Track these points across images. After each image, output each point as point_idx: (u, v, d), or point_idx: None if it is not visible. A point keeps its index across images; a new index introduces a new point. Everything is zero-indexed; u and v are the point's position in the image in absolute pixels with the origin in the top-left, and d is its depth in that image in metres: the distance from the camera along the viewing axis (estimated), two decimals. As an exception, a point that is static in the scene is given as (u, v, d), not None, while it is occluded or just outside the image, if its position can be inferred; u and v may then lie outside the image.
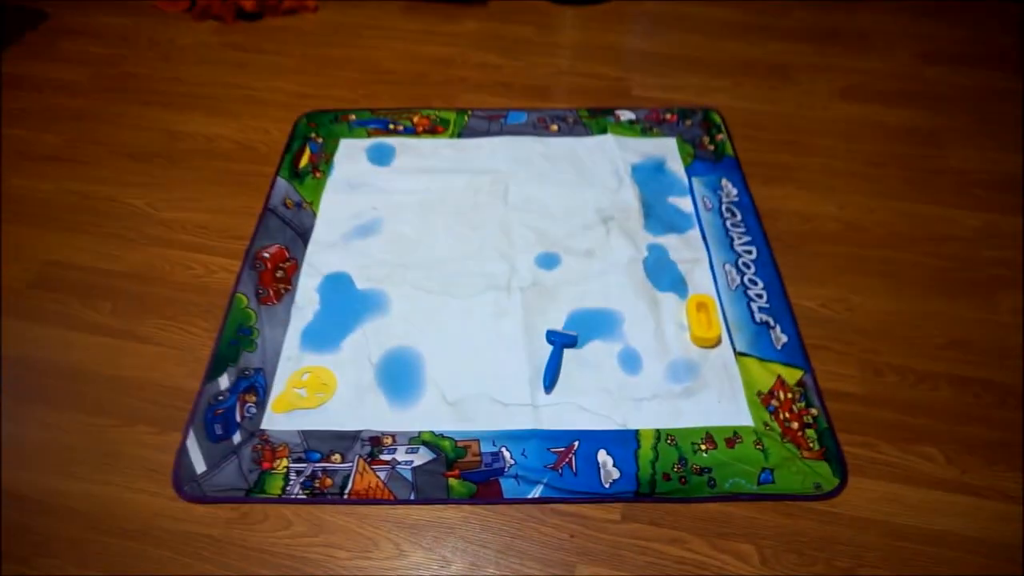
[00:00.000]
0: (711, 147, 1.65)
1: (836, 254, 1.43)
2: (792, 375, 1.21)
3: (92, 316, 1.32)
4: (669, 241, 1.43)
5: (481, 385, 1.20)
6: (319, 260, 1.39)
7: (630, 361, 1.23)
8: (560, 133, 1.68)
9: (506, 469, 1.10)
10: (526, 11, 2.14)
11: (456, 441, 1.13)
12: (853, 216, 1.51)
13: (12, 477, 1.10)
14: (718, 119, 1.72)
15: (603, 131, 1.68)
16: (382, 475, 1.09)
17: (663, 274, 1.37)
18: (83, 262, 1.41)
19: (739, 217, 1.48)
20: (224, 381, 1.21)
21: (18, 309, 1.33)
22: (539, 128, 1.69)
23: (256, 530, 1.05)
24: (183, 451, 1.12)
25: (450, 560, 1.02)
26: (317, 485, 1.08)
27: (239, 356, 1.24)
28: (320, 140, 1.66)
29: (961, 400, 1.19)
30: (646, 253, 1.40)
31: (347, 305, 1.32)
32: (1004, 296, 1.35)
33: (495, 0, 2.18)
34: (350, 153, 1.62)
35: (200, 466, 1.11)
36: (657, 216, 1.48)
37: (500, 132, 1.68)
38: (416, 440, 1.13)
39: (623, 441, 1.12)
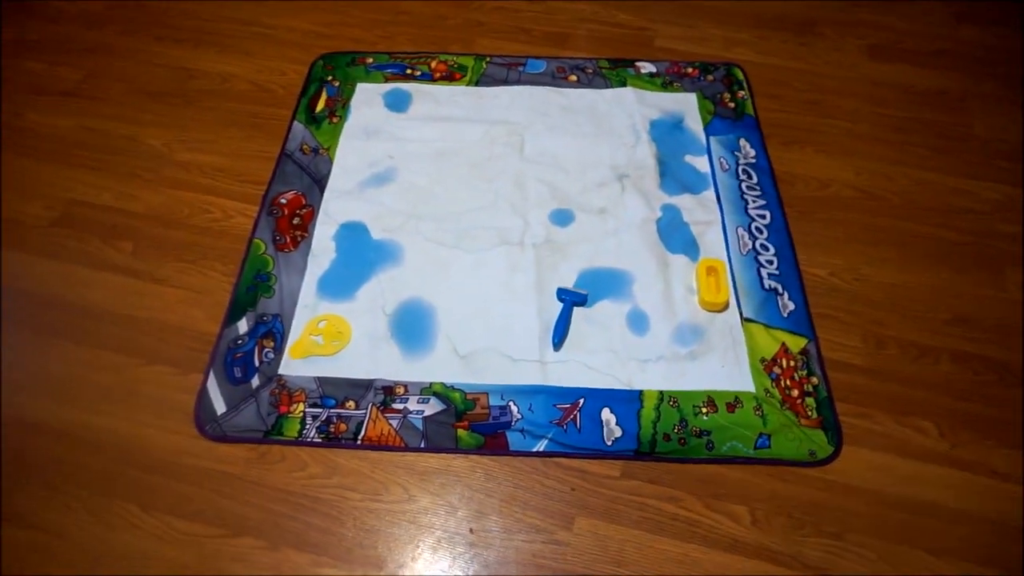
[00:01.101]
0: (732, 105, 1.62)
1: (850, 222, 1.43)
2: (796, 343, 1.23)
3: (113, 256, 1.35)
4: (683, 202, 1.43)
5: (492, 339, 1.23)
6: (335, 208, 1.41)
7: (638, 322, 1.26)
8: (579, 84, 1.66)
9: (513, 423, 1.14)
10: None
11: (466, 393, 1.17)
12: (870, 183, 1.50)
13: (41, 408, 1.16)
14: (740, 75, 1.69)
15: (623, 83, 1.66)
16: (394, 423, 1.14)
17: (675, 236, 1.38)
18: (104, 201, 1.43)
19: (755, 180, 1.47)
20: (243, 325, 1.24)
21: (40, 246, 1.36)
22: (558, 78, 1.67)
23: (273, 470, 1.11)
24: (204, 392, 1.17)
25: (456, 506, 1.08)
26: (332, 430, 1.13)
27: (257, 301, 1.27)
28: (337, 84, 1.64)
29: (960, 376, 1.22)
30: (660, 214, 1.41)
31: (362, 255, 1.34)
32: (1013, 272, 1.36)
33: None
34: (367, 98, 1.61)
35: (220, 407, 1.16)
36: (673, 175, 1.48)
37: (518, 81, 1.66)
38: (428, 391, 1.17)
39: (627, 400, 1.16)
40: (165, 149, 1.52)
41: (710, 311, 1.27)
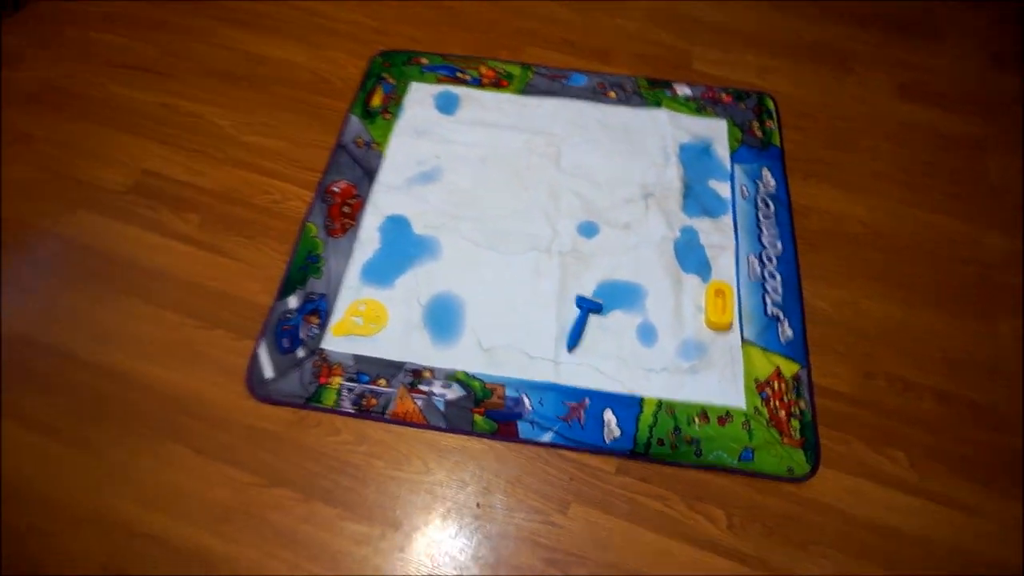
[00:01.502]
0: (759, 134, 1.72)
1: (857, 257, 1.53)
2: (790, 368, 1.34)
3: (181, 226, 1.50)
4: (702, 224, 1.54)
5: (513, 336, 1.36)
6: (383, 201, 1.54)
7: (647, 334, 1.38)
8: (617, 101, 1.76)
9: (524, 414, 1.28)
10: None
11: (485, 383, 1.31)
12: (882, 221, 1.59)
13: (107, 353, 1.31)
14: (771, 105, 1.78)
15: (658, 104, 1.76)
16: (419, 402, 1.28)
17: (691, 256, 1.49)
18: (175, 175, 1.57)
19: (772, 209, 1.57)
20: (293, 301, 1.39)
21: (116, 211, 1.51)
22: (598, 93, 1.77)
23: (310, 433, 1.26)
24: (255, 357, 1.32)
25: (467, 483, 1.22)
26: (364, 403, 1.28)
27: (307, 280, 1.42)
28: (392, 81, 1.76)
29: (939, 413, 1.32)
30: (678, 234, 1.52)
31: (404, 247, 1.47)
32: (1009, 321, 1.45)
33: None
34: (419, 98, 1.73)
35: (269, 372, 1.31)
36: (696, 198, 1.59)
37: (561, 93, 1.76)
38: (451, 377, 1.31)
39: (628, 405, 1.29)
40: (232, 130, 1.66)
41: (714, 331, 1.39)
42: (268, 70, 1.79)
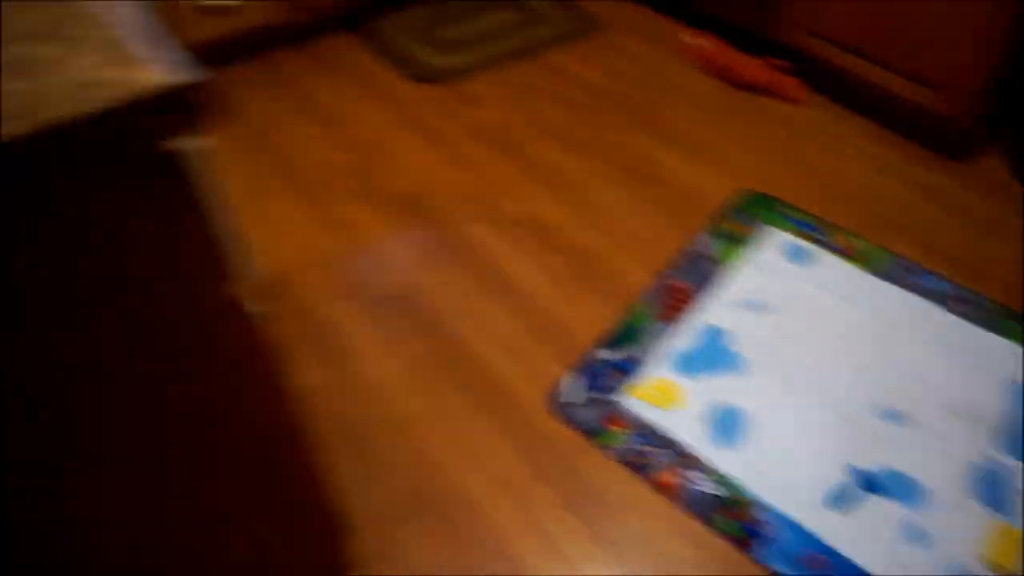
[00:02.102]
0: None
1: None
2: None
3: (548, 259, 1.86)
4: (1016, 467, 1.49)
5: (785, 471, 1.46)
6: (712, 309, 1.75)
7: (913, 533, 1.37)
8: (963, 317, 1.77)
9: (764, 537, 1.36)
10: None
11: (743, 495, 1.42)
12: None
13: (464, 328, 1.69)
14: None
15: (1009, 335, 1.73)
16: (678, 481, 1.44)
17: (991, 491, 1.45)
18: (557, 221, 1.97)
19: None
20: (608, 354, 1.65)
21: (505, 229, 1.93)
22: (948, 304, 1.80)
23: (580, 458, 1.48)
24: (563, 381, 1.60)
25: (685, 559, 1.34)
26: (633, 459, 1.47)
27: (625, 343, 1.67)
28: (753, 217, 1.99)
29: None
30: (987, 464, 1.49)
31: (716, 354, 1.66)
32: None
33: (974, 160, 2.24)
34: (773, 240, 1.93)
35: (569, 398, 1.57)
36: (1016, 438, 1.53)
37: (911, 288, 1.83)
38: (716, 476, 1.45)
39: (870, 588, 1.30)
40: (611, 203, 2.02)
41: (992, 571, 1.33)
42: (655, 170, 2.14)
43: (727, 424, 1.53)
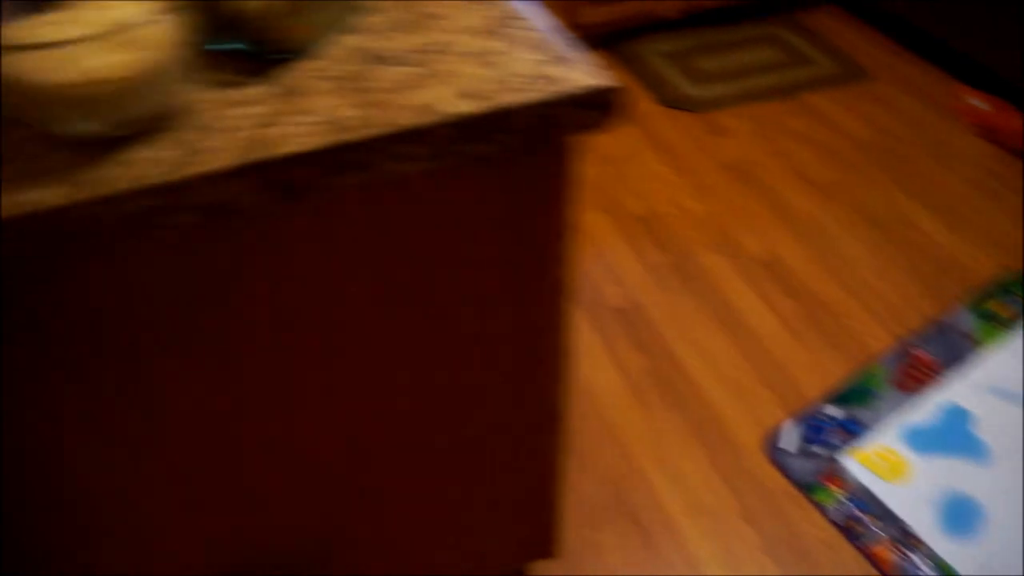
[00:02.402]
0: None
1: None
2: None
3: (779, 303, 1.85)
4: None
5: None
6: (958, 389, 1.65)
7: None
8: None
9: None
10: None
11: (964, 593, 1.33)
12: None
13: (687, 344, 1.73)
14: None
15: None
16: (896, 558, 1.38)
17: None
18: (796, 265, 1.94)
19: None
20: (835, 410, 1.61)
21: (745, 271, 1.94)
22: None
23: (796, 510, 1.47)
24: (782, 428, 1.59)
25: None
26: (850, 524, 1.43)
27: (854, 404, 1.62)
28: (1021, 300, 1.83)
29: None
30: None
31: (955, 435, 1.56)
32: None
33: None
34: (1041, 330, 1.77)
35: (786, 445, 1.56)
36: None
37: None
38: (940, 563, 1.37)
39: None
40: (860, 259, 1.95)
41: None
42: (911, 232, 2.03)
43: (959, 512, 1.44)
